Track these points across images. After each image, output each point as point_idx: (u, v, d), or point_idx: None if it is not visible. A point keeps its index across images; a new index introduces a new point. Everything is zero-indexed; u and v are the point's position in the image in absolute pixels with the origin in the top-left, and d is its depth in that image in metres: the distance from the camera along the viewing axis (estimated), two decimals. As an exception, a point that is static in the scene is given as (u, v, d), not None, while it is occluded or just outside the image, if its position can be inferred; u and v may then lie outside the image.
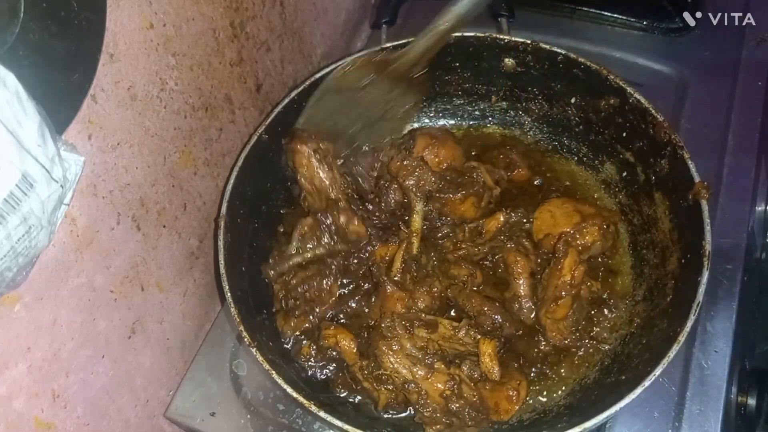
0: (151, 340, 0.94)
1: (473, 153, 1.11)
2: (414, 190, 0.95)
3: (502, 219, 0.95)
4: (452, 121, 1.17)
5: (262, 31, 1.05)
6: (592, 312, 0.93)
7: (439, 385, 0.82)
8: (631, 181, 0.99)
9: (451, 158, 1.01)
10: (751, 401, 1.01)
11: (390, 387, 0.85)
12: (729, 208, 1.04)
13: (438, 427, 0.82)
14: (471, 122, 1.16)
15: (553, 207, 0.97)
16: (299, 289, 0.93)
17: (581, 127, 1.06)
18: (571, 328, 0.91)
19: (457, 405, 0.81)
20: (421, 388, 0.82)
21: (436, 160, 1.01)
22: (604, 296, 0.94)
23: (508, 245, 0.95)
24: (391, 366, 0.83)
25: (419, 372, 0.82)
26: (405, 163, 0.95)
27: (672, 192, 0.91)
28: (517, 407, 0.84)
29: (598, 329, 0.92)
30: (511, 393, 0.84)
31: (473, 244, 0.96)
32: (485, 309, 0.89)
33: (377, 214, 0.98)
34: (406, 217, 0.98)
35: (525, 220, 0.98)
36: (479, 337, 0.86)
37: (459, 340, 0.86)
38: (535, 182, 1.08)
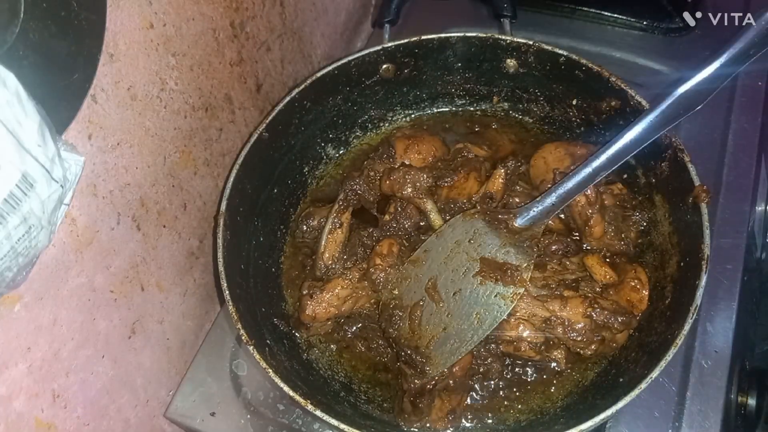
0: (151, 340, 0.94)
1: (462, 135, 1.13)
2: (414, 195, 0.95)
3: (502, 173, 0.95)
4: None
5: (262, 31, 1.05)
6: (626, 215, 0.95)
7: (579, 309, 0.84)
8: (631, 184, 0.99)
9: (433, 151, 1.03)
10: (751, 401, 1.02)
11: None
12: (729, 208, 1.04)
13: (593, 346, 0.85)
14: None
15: (546, 153, 0.99)
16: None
17: (582, 128, 1.06)
18: (620, 235, 0.94)
19: (603, 317, 0.84)
20: (563, 318, 0.85)
21: (420, 157, 1.02)
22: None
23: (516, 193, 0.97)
24: (526, 310, 0.85)
25: (554, 306, 0.85)
26: (393, 178, 0.95)
27: (672, 195, 0.91)
28: (646, 292, 0.87)
29: (635, 231, 0.95)
30: (633, 283, 0.87)
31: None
32: (552, 240, 0.92)
33: (401, 233, 0.97)
34: (422, 223, 0.97)
35: (519, 164, 1.00)
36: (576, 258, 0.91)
37: (567, 269, 0.90)
38: (519, 142, 1.10)
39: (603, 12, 1.30)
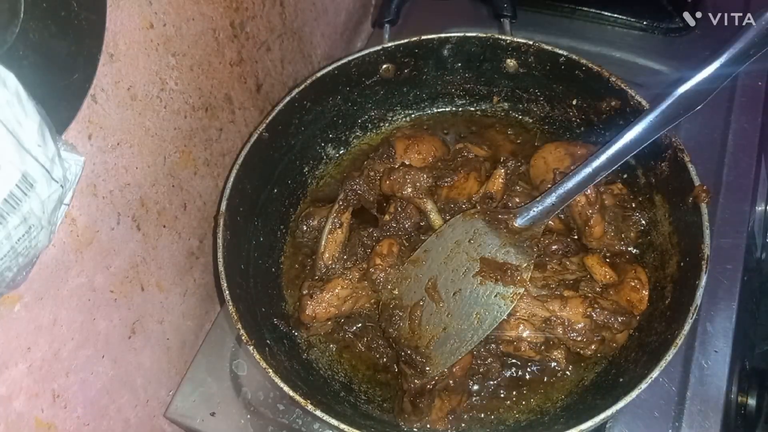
0: (151, 340, 0.94)
1: (462, 135, 1.13)
2: (414, 195, 0.95)
3: (502, 173, 0.95)
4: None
5: (262, 31, 1.05)
6: (626, 215, 0.95)
7: (579, 309, 0.84)
8: (631, 184, 0.99)
9: (433, 151, 1.03)
10: (751, 401, 1.02)
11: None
12: (729, 208, 1.04)
13: (593, 346, 0.85)
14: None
15: (546, 153, 0.99)
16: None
17: (582, 128, 1.06)
18: (620, 235, 0.94)
19: (603, 317, 0.84)
20: (563, 318, 0.85)
21: (420, 157, 1.02)
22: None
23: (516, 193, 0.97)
24: (526, 310, 0.85)
25: (554, 306, 0.85)
26: (393, 178, 0.95)
27: (672, 195, 0.91)
28: (645, 292, 0.87)
29: (635, 231, 0.95)
30: (633, 283, 0.87)
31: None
32: (552, 240, 0.92)
33: (401, 233, 0.97)
34: (422, 223, 0.97)
35: (519, 164, 1.00)
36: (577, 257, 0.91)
37: (567, 269, 0.90)
38: (519, 142, 1.10)
39: (603, 12, 1.30)
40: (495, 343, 0.88)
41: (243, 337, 0.81)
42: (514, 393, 0.90)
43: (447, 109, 1.17)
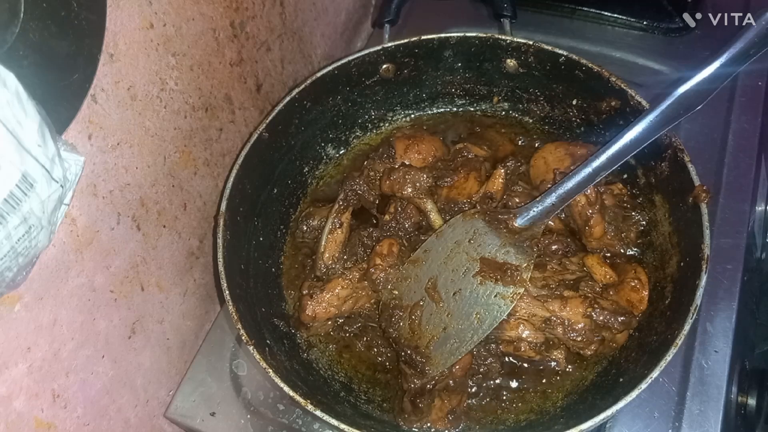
0: (151, 340, 0.94)
1: (462, 135, 1.13)
2: (414, 195, 0.95)
3: (502, 173, 0.95)
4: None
5: (262, 31, 1.05)
6: (626, 215, 0.95)
7: (579, 309, 0.84)
8: (631, 184, 0.99)
9: (433, 151, 1.03)
10: (751, 401, 1.02)
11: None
12: (729, 208, 1.04)
13: (593, 346, 0.85)
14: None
15: (546, 153, 0.99)
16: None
17: (582, 128, 1.06)
18: (620, 235, 0.94)
19: (603, 317, 0.84)
20: (563, 318, 0.85)
21: (420, 157, 1.02)
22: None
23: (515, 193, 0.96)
24: (526, 310, 0.85)
25: (554, 306, 0.85)
26: (393, 178, 0.95)
27: (672, 195, 0.91)
28: (645, 292, 0.87)
29: (635, 231, 0.95)
30: (633, 283, 0.87)
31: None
32: (552, 240, 0.92)
33: (401, 233, 0.97)
34: (422, 223, 0.98)
35: (519, 164, 1.00)
36: (576, 256, 0.91)
37: (567, 269, 0.90)
38: (519, 143, 1.10)
39: (603, 12, 1.30)
40: (495, 343, 0.88)
41: (243, 337, 0.82)
42: (514, 393, 0.90)
43: (447, 109, 1.17)
